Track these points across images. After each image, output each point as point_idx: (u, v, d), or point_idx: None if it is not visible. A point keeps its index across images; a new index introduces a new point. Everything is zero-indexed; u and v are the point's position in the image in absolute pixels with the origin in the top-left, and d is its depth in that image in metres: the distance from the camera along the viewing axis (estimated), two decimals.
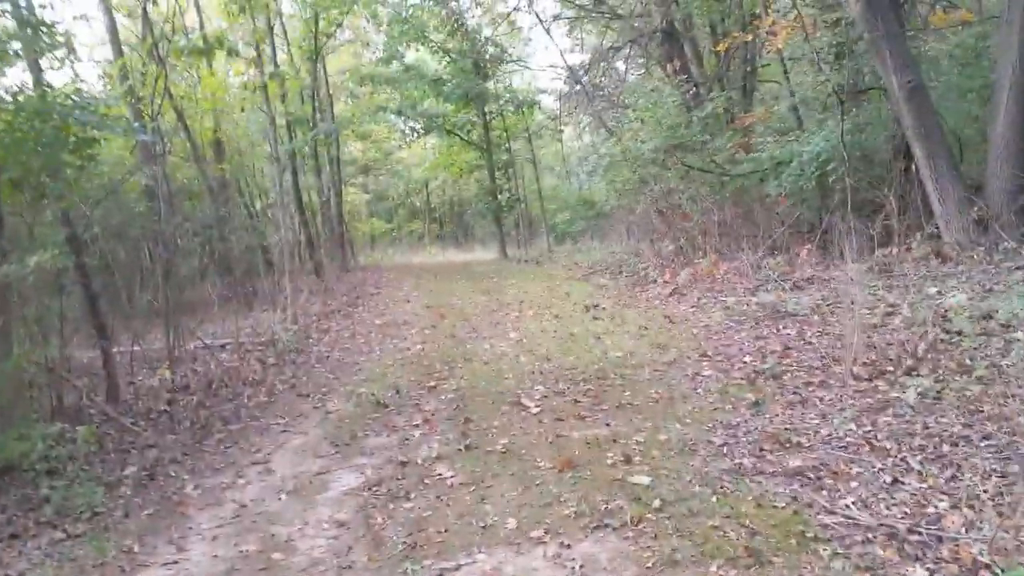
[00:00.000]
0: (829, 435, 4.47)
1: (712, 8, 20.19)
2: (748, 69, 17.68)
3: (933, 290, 7.76)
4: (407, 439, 5.63)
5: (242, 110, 18.61)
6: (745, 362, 6.32)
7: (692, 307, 9.70)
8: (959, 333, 5.77)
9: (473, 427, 5.65)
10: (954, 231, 10.25)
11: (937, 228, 10.50)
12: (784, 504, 3.66)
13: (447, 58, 26.11)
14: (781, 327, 7.39)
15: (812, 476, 3.94)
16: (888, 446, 4.14)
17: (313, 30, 19.93)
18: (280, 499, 4.71)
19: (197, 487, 5.09)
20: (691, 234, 13.59)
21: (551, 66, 29.00)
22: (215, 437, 6.27)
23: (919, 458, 3.93)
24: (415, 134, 27.20)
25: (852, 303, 6.51)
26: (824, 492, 3.73)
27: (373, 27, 25.64)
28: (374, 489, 4.66)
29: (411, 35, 24.62)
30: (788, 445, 4.39)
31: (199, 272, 15.48)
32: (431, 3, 25.25)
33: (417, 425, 5.93)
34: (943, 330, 5.87)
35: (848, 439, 4.35)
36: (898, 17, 11.04)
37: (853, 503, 3.55)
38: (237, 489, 4.99)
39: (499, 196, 26.92)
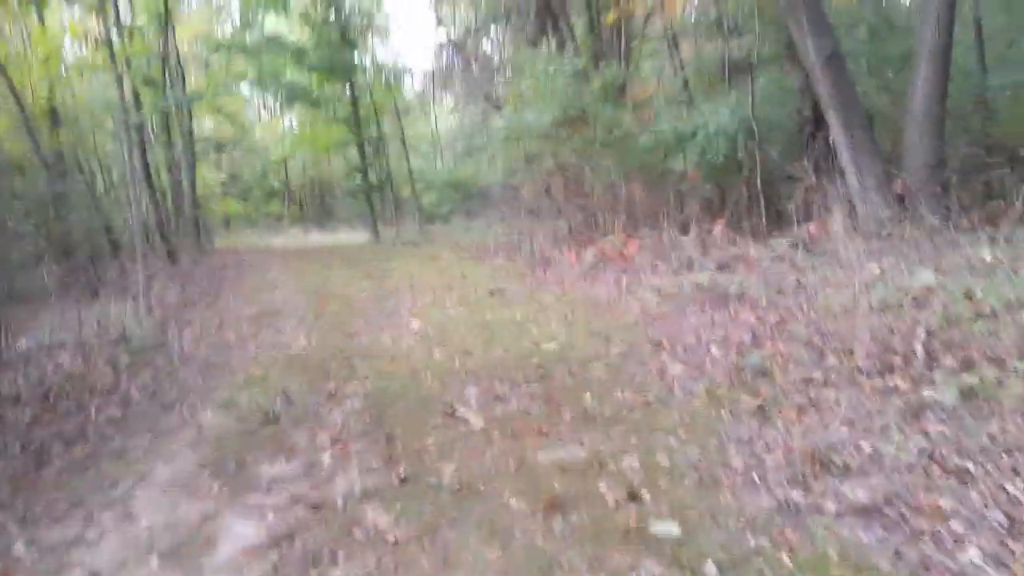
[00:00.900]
0: (877, 452, 3.53)
1: None
2: (628, 44, 17.04)
3: (877, 270, 7.12)
4: (314, 466, 4.33)
5: (81, 74, 16.32)
6: (714, 355, 5.37)
7: (614, 289, 8.76)
8: (957, 318, 5.03)
9: (400, 448, 4.40)
10: (876, 206, 9.79)
11: (851, 203, 10.04)
12: (889, 565, 2.67)
13: (310, 27, 24.22)
14: (733, 312, 6.52)
15: (892, 515, 2.97)
16: (966, 466, 3.24)
17: None
18: (150, 564, 3.36)
19: (31, 544, 3.66)
20: (591, 211, 12.71)
21: (435, 24, 27.30)
22: (54, 466, 4.76)
23: (1020, 483, 3.04)
24: (276, 107, 25.07)
25: (856, 283, 5.68)
26: (928, 541, 2.76)
27: None
28: (282, 547, 3.38)
29: (271, 2, 22.62)
30: (834, 468, 3.43)
31: (33, 257, 13.42)
32: None
33: (324, 447, 4.64)
34: (940, 315, 5.11)
35: (905, 457, 3.43)
36: None
37: (979, 558, 2.60)
38: (87, 547, 3.59)
39: (369, 175, 25.31)
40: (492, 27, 26.53)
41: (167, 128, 19.08)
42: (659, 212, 11.80)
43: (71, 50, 15.57)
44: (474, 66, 31.08)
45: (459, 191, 34.44)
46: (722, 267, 8.67)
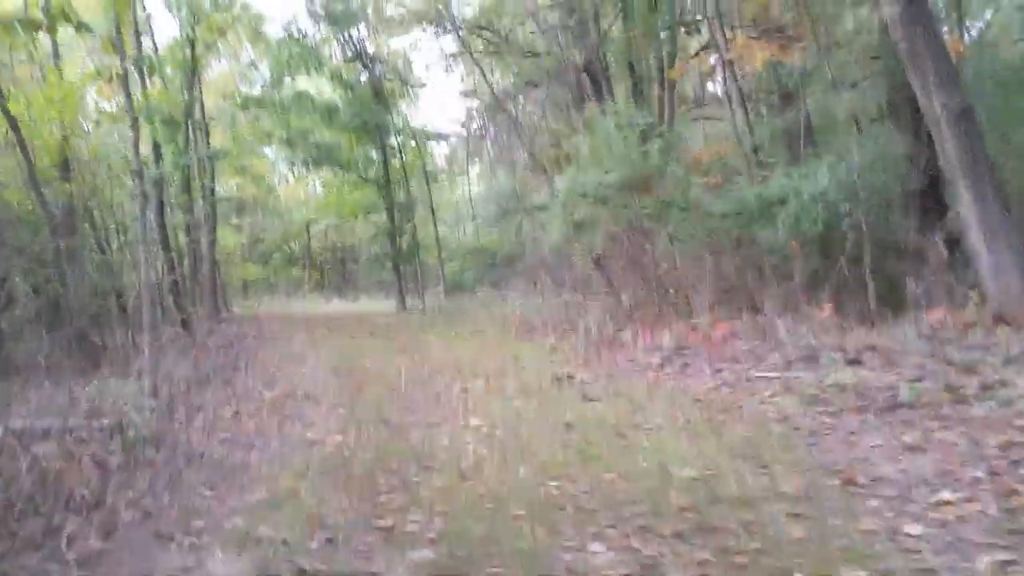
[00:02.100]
0: None
1: (636, 45, 18.46)
2: (674, 107, 15.85)
3: None
4: None
5: (97, 124, 15.15)
6: (950, 503, 3.71)
7: (719, 384, 7.15)
8: None
9: None
10: (1015, 290, 8.22)
11: (980, 286, 8.51)
12: None
13: (342, 86, 23.26)
14: (922, 428, 4.89)
15: None
16: None
17: (190, 35, 16.72)
18: None
19: None
20: (659, 286, 11.17)
21: (465, 93, 26.31)
22: None
23: None
24: (303, 168, 23.94)
25: None
26: None
27: (256, 51, 22.52)
28: None
29: (302, 60, 21.67)
30: None
31: (27, 321, 12.07)
32: (327, 27, 22.51)
33: None
34: None
35: None
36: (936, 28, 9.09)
37: None
38: None
39: (399, 240, 23.99)
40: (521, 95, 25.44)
41: (188, 186, 17.80)
42: (742, 289, 10.28)
43: (92, 97, 14.43)
44: (506, 133, 30.20)
45: (483, 260, 33.20)
46: (853, 361, 7.06)
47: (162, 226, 16.64)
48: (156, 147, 16.37)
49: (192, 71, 17.03)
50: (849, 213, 9.44)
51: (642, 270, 12.01)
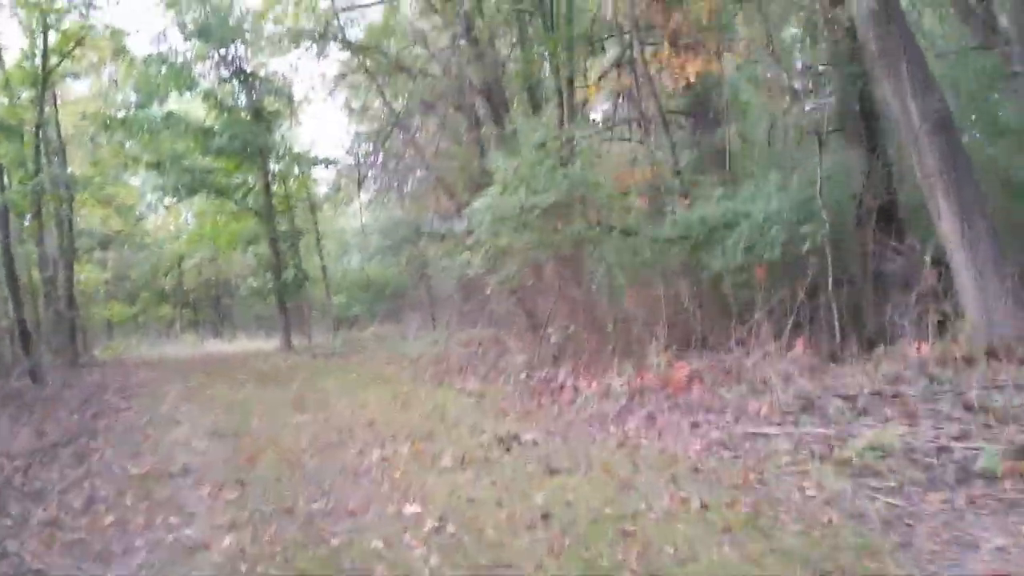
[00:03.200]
0: None
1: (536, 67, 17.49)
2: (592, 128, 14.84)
3: None
4: None
5: None
6: None
7: (709, 444, 5.83)
8: None
9: None
10: (999, 321, 7.37)
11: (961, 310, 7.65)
12: None
13: (218, 107, 21.18)
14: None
15: None
16: None
17: (39, 44, 14.44)
18: None
19: None
20: (601, 320, 9.90)
21: (356, 111, 24.48)
22: None
23: None
24: (175, 196, 21.58)
25: None
26: None
27: (121, 68, 20.19)
28: None
29: (172, 78, 19.53)
30: None
31: None
32: (200, 44, 20.44)
33: None
34: None
35: None
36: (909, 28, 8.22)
37: None
38: None
39: (284, 273, 21.94)
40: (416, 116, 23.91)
41: (38, 214, 15.34)
42: (695, 323, 9.12)
43: None
44: (395, 158, 28.59)
45: (372, 293, 31.42)
46: (863, 411, 5.90)
47: (7, 261, 14.20)
48: (0, 169, 14.00)
49: (43, 83, 14.72)
50: (812, 238, 8.40)
51: (572, 303, 10.70)
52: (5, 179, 14.22)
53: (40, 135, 14.81)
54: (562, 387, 8.83)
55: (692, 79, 10.92)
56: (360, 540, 4.58)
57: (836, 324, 8.33)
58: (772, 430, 5.80)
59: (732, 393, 6.94)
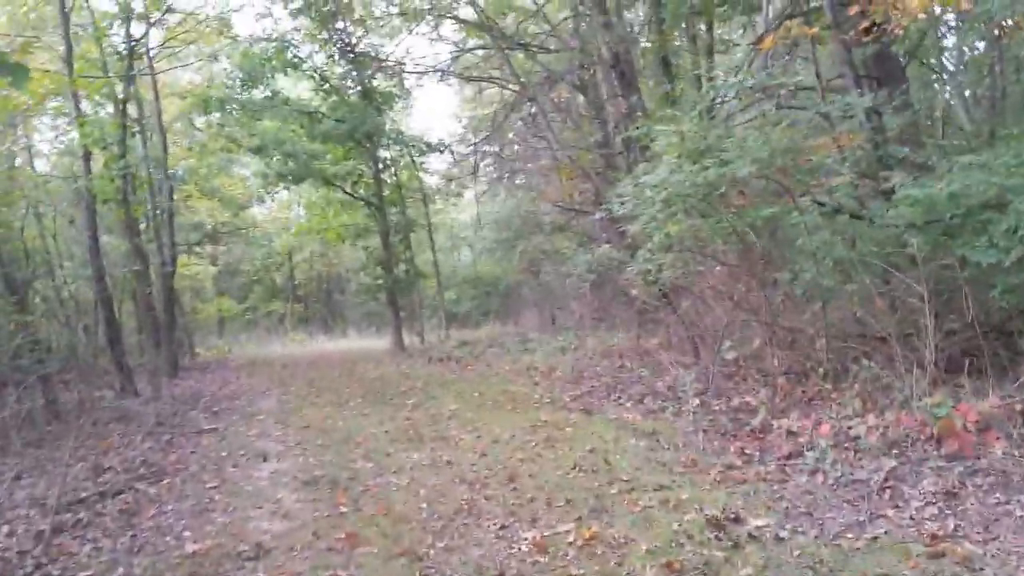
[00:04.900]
0: None
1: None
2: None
3: None
4: None
5: None
6: None
7: None
8: None
9: None
10: None
11: None
12: None
13: (326, 87, 19.59)
14: None
15: None
16: None
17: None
18: None
19: None
20: (797, 331, 7.48)
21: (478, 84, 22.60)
22: None
23: None
24: (281, 184, 20.12)
25: None
26: None
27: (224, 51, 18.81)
28: None
29: (279, 58, 18.00)
30: None
31: None
32: (310, 21, 18.87)
33: None
34: None
35: None
36: None
37: None
38: None
39: (395, 269, 20.20)
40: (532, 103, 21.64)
41: (126, 204, 13.84)
42: (979, 347, 6.57)
43: None
44: (514, 143, 26.58)
45: (482, 289, 29.66)
46: None
47: (96, 257, 12.81)
48: (87, 155, 12.61)
49: (129, 52, 13.25)
50: None
51: (754, 308, 8.31)
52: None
53: (126, 113, 13.28)
54: (763, 428, 6.46)
55: (917, 14, 8.29)
56: None
57: None
58: None
59: None
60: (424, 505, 5.34)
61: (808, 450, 5.59)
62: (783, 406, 6.89)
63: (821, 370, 7.11)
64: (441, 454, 6.89)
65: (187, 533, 5.17)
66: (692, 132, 7.54)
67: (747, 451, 5.95)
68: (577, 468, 5.94)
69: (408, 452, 7.09)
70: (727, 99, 8.79)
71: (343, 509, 5.44)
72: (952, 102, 10.59)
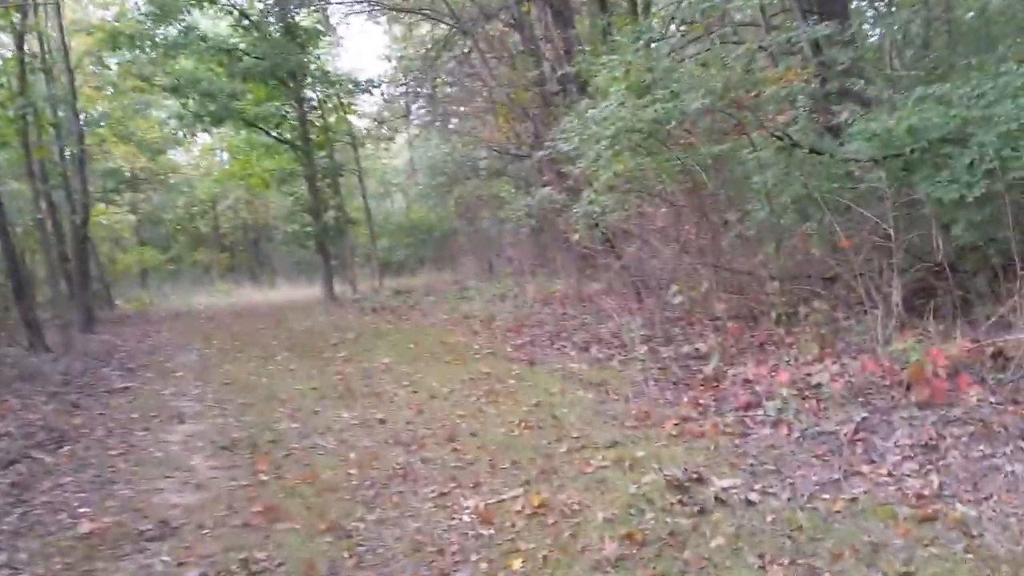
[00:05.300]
0: None
1: None
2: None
3: None
4: None
5: None
6: None
7: None
8: None
9: None
10: None
11: None
12: None
13: (245, 23, 18.41)
14: None
15: None
16: None
17: None
18: None
19: None
20: (748, 275, 7.14)
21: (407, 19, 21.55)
22: None
23: None
24: (198, 126, 18.92)
25: None
26: None
27: None
28: None
29: None
30: None
31: None
32: None
33: None
34: None
35: None
36: None
37: None
38: None
39: (324, 215, 19.35)
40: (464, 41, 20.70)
41: (27, 147, 12.73)
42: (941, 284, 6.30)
43: None
44: (446, 84, 25.63)
45: (417, 236, 28.95)
46: None
47: None
48: None
49: None
50: None
51: (699, 250, 7.94)
52: None
53: (22, 47, 12.06)
54: (716, 376, 6.10)
55: None
56: None
57: None
58: None
59: None
60: (354, 471, 4.83)
61: (767, 400, 5.23)
62: (734, 352, 6.55)
63: (774, 314, 6.77)
64: (374, 412, 6.37)
65: (84, 509, 4.57)
66: (638, 64, 7.01)
67: (702, 402, 5.58)
68: (522, 424, 5.49)
69: (337, 411, 6.55)
70: (673, 30, 8.22)
71: (263, 477, 4.89)
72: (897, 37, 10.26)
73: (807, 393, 5.17)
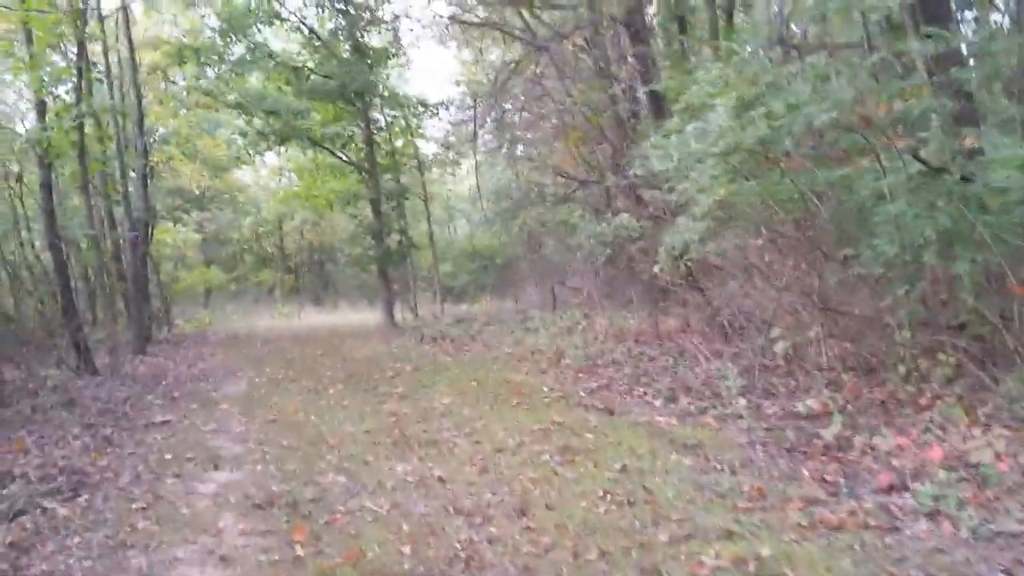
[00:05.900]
0: None
1: None
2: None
3: None
4: None
5: None
6: None
7: None
8: None
9: None
10: None
11: None
12: None
13: (314, 41, 18.04)
14: None
15: None
16: None
17: None
18: None
19: None
20: (865, 321, 6.13)
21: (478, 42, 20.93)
22: None
23: None
24: (264, 144, 18.57)
25: None
26: None
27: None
28: None
29: (265, 10, 16.45)
30: None
31: None
32: None
33: None
34: None
35: None
36: None
37: None
38: None
39: (387, 239, 18.77)
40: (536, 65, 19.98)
41: (83, 158, 12.33)
42: None
43: None
44: (515, 111, 24.99)
45: (478, 263, 28.33)
46: None
47: (49, 216, 11.37)
48: (40, 104, 11.12)
49: None
50: None
51: (808, 293, 6.92)
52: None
53: (83, 55, 11.66)
54: (840, 443, 5.09)
55: None
56: None
57: None
58: None
59: None
60: (407, 549, 3.97)
61: (913, 481, 4.22)
62: (853, 412, 5.54)
63: (902, 368, 5.74)
64: (432, 466, 5.52)
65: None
66: (747, 73, 6.11)
67: (827, 478, 4.58)
68: (607, 497, 4.56)
69: (391, 462, 5.72)
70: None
71: (299, 551, 4.07)
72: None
73: (964, 474, 4.16)
